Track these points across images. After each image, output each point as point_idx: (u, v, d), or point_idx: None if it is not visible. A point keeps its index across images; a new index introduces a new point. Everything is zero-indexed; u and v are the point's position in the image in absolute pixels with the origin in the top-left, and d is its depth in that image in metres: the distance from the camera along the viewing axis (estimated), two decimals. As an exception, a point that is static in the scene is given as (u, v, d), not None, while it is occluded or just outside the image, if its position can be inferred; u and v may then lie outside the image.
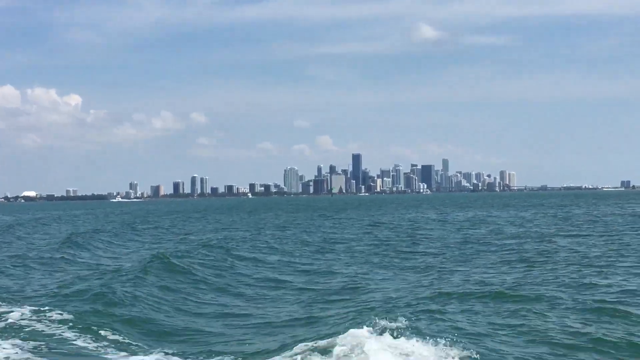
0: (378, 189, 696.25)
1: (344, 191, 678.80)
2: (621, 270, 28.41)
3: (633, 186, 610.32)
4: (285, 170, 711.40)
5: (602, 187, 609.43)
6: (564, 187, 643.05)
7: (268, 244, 47.27)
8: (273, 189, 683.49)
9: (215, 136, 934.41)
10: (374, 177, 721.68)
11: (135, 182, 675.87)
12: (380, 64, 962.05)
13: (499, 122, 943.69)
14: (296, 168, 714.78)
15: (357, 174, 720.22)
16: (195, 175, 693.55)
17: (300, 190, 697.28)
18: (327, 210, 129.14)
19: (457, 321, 18.77)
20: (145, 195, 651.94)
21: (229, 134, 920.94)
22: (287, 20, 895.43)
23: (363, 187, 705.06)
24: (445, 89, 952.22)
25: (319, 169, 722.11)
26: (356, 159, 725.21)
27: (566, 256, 34.24)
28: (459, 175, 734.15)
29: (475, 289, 23.82)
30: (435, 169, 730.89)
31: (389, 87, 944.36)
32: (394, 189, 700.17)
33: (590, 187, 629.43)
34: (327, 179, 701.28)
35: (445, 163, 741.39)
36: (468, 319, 19.16)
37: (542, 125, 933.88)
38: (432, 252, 39.38)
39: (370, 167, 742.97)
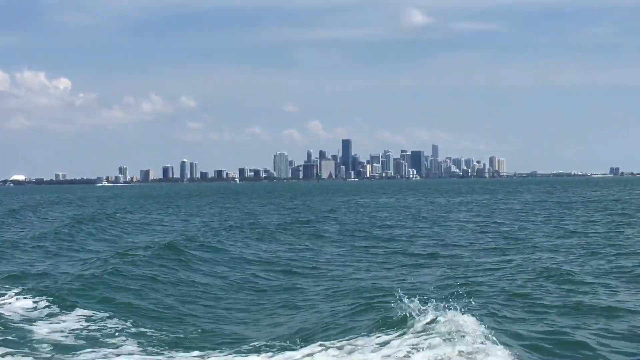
0: (368, 175, 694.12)
1: (334, 177, 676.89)
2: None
3: (622, 173, 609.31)
4: (274, 156, 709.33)
5: (591, 174, 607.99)
6: (554, 173, 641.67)
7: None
8: (262, 174, 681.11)
9: (204, 120, 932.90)
10: (363, 162, 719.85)
11: (124, 166, 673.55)
12: (370, 50, 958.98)
13: (489, 109, 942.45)
14: (286, 153, 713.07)
15: (347, 160, 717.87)
16: (184, 159, 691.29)
17: (290, 175, 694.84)
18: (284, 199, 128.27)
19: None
20: (134, 180, 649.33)
21: (218, 118, 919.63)
22: (277, 5, 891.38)
23: (352, 172, 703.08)
24: (435, 75, 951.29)
25: (309, 154, 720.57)
26: (346, 144, 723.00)
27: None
28: (448, 161, 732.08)
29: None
30: (425, 154, 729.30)
31: (379, 73, 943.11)
32: (384, 174, 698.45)
33: (580, 173, 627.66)
34: (317, 164, 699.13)
35: (434, 149, 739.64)
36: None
37: (532, 112, 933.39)
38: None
39: (360, 152, 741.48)
